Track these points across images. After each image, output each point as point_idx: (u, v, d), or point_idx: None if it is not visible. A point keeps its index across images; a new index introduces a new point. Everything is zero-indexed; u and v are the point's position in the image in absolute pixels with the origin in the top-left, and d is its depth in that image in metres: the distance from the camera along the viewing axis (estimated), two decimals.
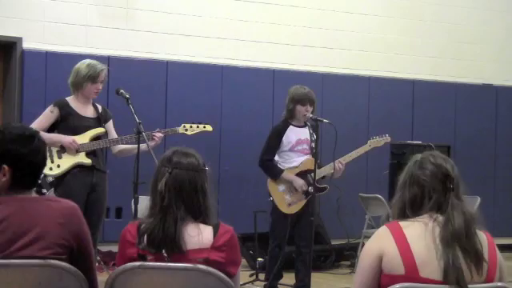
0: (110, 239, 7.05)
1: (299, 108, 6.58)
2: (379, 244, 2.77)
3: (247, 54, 9.38)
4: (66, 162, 5.81)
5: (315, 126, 6.51)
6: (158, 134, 5.97)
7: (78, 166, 5.81)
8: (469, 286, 2.69)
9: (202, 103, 8.85)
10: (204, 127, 6.29)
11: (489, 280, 2.73)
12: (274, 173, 6.64)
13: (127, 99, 5.83)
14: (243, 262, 7.46)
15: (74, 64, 6.08)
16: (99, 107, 6.03)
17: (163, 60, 8.94)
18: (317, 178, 6.52)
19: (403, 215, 2.83)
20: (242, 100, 9.17)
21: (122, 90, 5.92)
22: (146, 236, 2.89)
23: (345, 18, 9.92)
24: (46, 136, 5.75)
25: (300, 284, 6.63)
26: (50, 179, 7.01)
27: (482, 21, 10.71)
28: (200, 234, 2.89)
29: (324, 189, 6.69)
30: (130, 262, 2.86)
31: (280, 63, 9.52)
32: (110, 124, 6.05)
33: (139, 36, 8.89)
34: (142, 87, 8.43)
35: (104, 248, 7.68)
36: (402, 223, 2.79)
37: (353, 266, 8.55)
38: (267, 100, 9.17)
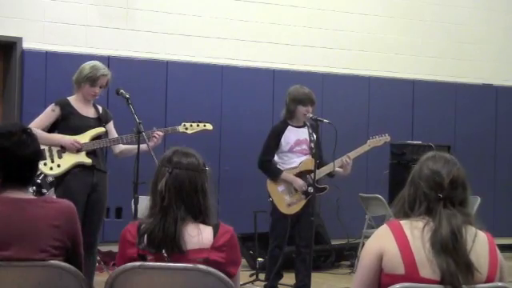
0: (110, 239, 7.05)
1: (300, 108, 6.57)
2: (380, 243, 2.77)
3: (247, 54, 9.38)
4: (67, 162, 5.80)
5: (315, 126, 6.51)
6: (159, 133, 5.96)
7: (79, 166, 5.81)
8: (468, 286, 2.69)
9: (202, 103, 8.85)
10: (204, 126, 6.28)
11: (489, 280, 2.73)
12: (274, 173, 6.64)
13: (127, 99, 5.82)
14: (243, 261, 7.46)
15: (74, 64, 6.08)
16: (100, 108, 6.03)
17: (163, 60, 8.94)
18: (320, 176, 6.52)
19: (403, 212, 2.84)
20: (241, 100, 9.17)
21: (122, 90, 5.91)
22: (146, 236, 2.89)
23: (345, 18, 9.92)
24: (48, 137, 5.75)
25: (300, 284, 6.62)
26: (50, 179, 7.01)
27: (482, 21, 10.71)
28: (200, 234, 2.89)
29: (324, 189, 6.69)
30: (130, 262, 2.86)
31: (280, 63, 9.52)
32: (111, 125, 6.04)
33: (139, 36, 8.89)
34: (142, 87, 8.43)
35: (104, 248, 7.68)
36: (403, 222, 2.79)
37: (353, 266, 8.55)
38: (267, 100, 9.17)
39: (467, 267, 2.68)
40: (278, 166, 6.65)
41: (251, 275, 7.62)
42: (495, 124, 10.58)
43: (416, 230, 2.74)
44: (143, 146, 5.67)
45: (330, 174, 6.68)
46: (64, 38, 8.51)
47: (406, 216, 2.82)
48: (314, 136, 6.56)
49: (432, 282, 2.69)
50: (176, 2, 9.12)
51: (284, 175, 6.60)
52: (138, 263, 2.84)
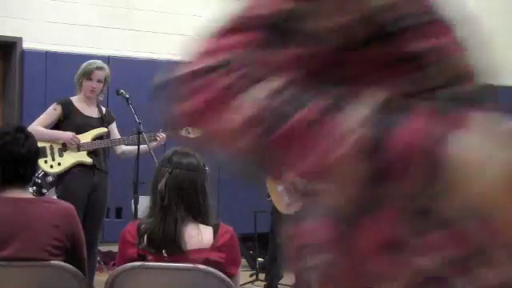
0: (110, 239, 7.04)
1: None
2: None
3: None
4: (67, 161, 5.81)
5: None
6: (162, 135, 5.97)
7: (79, 166, 5.81)
8: None
9: None
10: None
11: None
12: None
13: (127, 99, 5.83)
14: (243, 261, 7.45)
15: (74, 64, 6.09)
16: (103, 109, 6.03)
17: (163, 60, 8.93)
18: None
19: None
20: None
21: (122, 90, 5.92)
22: (146, 236, 2.89)
23: None
24: (48, 132, 5.76)
25: None
26: (50, 179, 7.01)
27: (482, 20, 10.70)
28: (200, 235, 2.89)
29: None
30: (130, 262, 2.86)
31: None
32: (113, 126, 6.05)
33: (139, 36, 8.89)
34: (142, 87, 8.41)
35: (104, 248, 7.67)
36: None
37: None
38: None
39: None
40: None
41: (251, 275, 7.62)
42: None
43: None
44: (144, 147, 5.68)
45: None
46: (64, 38, 8.51)
47: None
48: None
49: None
50: (176, 2, 9.12)
51: None
52: (137, 263, 2.84)
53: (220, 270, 2.84)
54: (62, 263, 2.93)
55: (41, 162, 5.70)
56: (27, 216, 2.95)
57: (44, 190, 7.10)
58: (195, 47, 1.23)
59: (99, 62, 5.99)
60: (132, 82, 7.90)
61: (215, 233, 2.92)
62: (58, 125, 5.90)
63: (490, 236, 1.06)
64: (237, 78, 1.11)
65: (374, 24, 1.15)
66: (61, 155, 5.82)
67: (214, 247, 2.89)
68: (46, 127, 5.82)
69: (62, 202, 3.17)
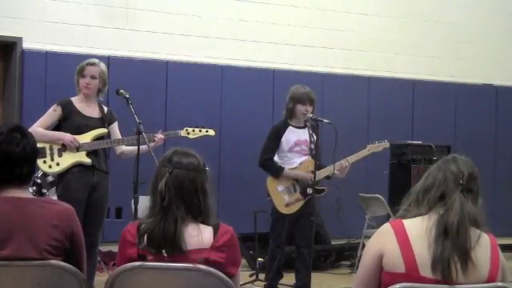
0: (110, 239, 7.05)
1: (299, 107, 6.59)
2: (381, 242, 2.79)
3: (247, 54, 9.38)
4: (66, 161, 5.81)
5: (315, 127, 6.52)
6: (159, 136, 5.97)
7: (79, 166, 5.81)
8: (469, 285, 2.70)
9: (202, 103, 8.85)
10: (207, 132, 6.30)
11: (490, 280, 2.74)
12: (276, 171, 6.64)
13: (127, 99, 5.82)
14: (243, 261, 7.46)
15: (74, 64, 6.09)
16: (105, 108, 6.03)
17: (163, 60, 8.94)
18: (319, 178, 6.53)
19: (414, 203, 2.85)
20: (242, 100, 9.17)
21: (122, 90, 5.91)
22: (146, 236, 2.89)
23: (345, 18, 9.92)
24: (47, 133, 5.76)
25: (300, 284, 6.63)
26: (50, 179, 7.02)
27: (482, 21, 10.71)
28: (200, 234, 2.89)
29: (322, 191, 6.69)
30: (130, 262, 2.86)
31: (280, 63, 9.52)
32: (115, 126, 6.04)
33: (139, 36, 8.89)
34: (142, 87, 8.43)
35: (104, 248, 7.68)
36: (406, 222, 2.80)
37: (353, 266, 8.55)
38: (267, 100, 9.17)
39: (464, 253, 2.69)
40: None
41: (251, 275, 7.62)
42: (495, 124, 10.58)
43: (419, 229, 2.75)
44: (144, 147, 5.68)
45: (328, 177, 6.69)
46: (64, 37, 8.51)
47: (417, 208, 2.82)
48: (315, 137, 6.56)
49: (432, 281, 2.69)
50: (176, 2, 9.12)
51: (287, 171, 6.60)
52: (137, 263, 2.84)
53: (220, 270, 2.84)
54: (62, 263, 2.93)
55: (39, 162, 5.70)
56: (26, 216, 2.95)
57: (44, 190, 7.11)
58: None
59: (92, 59, 6.01)
60: (132, 82, 7.91)
61: (215, 233, 2.92)
62: (58, 125, 5.90)
63: None
64: None
65: None
66: (60, 155, 5.82)
67: (214, 247, 2.89)
68: (47, 128, 5.82)
69: (62, 202, 3.17)
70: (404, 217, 2.85)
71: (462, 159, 2.92)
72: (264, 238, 7.46)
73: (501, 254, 2.83)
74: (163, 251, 2.86)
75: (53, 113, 5.89)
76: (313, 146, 6.57)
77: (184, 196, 2.92)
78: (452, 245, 2.69)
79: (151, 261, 2.86)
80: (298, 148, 6.65)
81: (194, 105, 8.76)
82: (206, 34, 9.20)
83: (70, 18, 8.57)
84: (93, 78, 5.89)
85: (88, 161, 5.81)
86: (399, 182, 8.51)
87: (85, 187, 5.76)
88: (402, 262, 2.72)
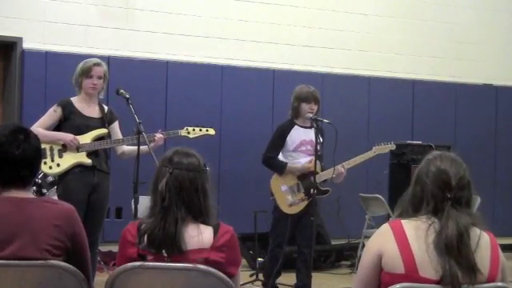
0: (110, 239, 7.06)
1: (304, 106, 6.60)
2: (380, 242, 2.79)
3: (247, 54, 9.38)
4: (66, 162, 5.80)
5: (319, 128, 6.54)
6: (158, 135, 5.97)
7: (79, 166, 5.81)
8: (470, 286, 2.70)
9: (202, 103, 8.85)
10: (207, 131, 6.30)
11: (490, 280, 2.73)
12: (279, 167, 6.65)
13: (127, 99, 5.82)
14: (243, 261, 7.46)
15: (73, 64, 6.08)
16: (105, 108, 6.02)
17: (163, 60, 8.94)
18: (318, 181, 6.54)
19: (408, 213, 2.84)
20: (242, 100, 9.16)
21: (122, 90, 5.91)
22: (146, 236, 2.89)
23: (345, 18, 9.92)
24: (47, 134, 5.75)
25: (300, 284, 6.63)
26: (51, 179, 7.02)
27: (482, 21, 10.71)
28: (200, 235, 2.89)
29: (326, 192, 6.69)
30: (130, 261, 2.86)
31: (280, 63, 9.52)
32: (115, 126, 6.03)
33: (139, 36, 8.89)
34: (142, 87, 8.42)
35: (104, 248, 7.68)
36: (404, 222, 2.79)
37: (353, 266, 8.55)
38: (267, 100, 9.17)
39: (470, 268, 2.68)
40: None
41: (251, 275, 7.62)
42: (495, 124, 10.58)
43: (418, 230, 2.75)
44: (144, 147, 5.67)
45: (325, 180, 6.70)
46: (64, 37, 8.51)
47: (411, 216, 2.81)
48: (321, 139, 6.58)
49: (431, 281, 2.69)
50: (176, 2, 9.12)
51: (290, 166, 6.61)
52: (137, 263, 2.84)
53: (220, 270, 2.84)
54: (62, 263, 2.92)
55: None
56: (27, 216, 2.95)
57: (44, 190, 7.11)
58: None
59: (96, 59, 5.99)
60: (132, 82, 7.91)
61: (215, 233, 2.91)
62: (58, 125, 5.90)
63: None
64: None
65: None
66: (60, 156, 5.81)
67: (214, 247, 2.89)
68: (47, 129, 5.81)
69: (63, 202, 3.16)
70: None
71: (449, 159, 2.86)
72: (264, 238, 7.46)
73: (501, 254, 2.82)
74: (163, 251, 2.86)
75: (53, 113, 5.89)
76: (319, 147, 6.55)
77: (184, 196, 2.92)
78: (456, 262, 2.68)
79: (151, 261, 2.86)
80: (303, 148, 6.65)
81: (194, 105, 8.76)
82: (206, 34, 9.20)
83: (70, 18, 8.57)
84: (99, 78, 5.89)
85: (88, 161, 5.81)
86: (399, 182, 8.50)
87: (85, 187, 5.76)
88: (402, 263, 2.71)
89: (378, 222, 7.83)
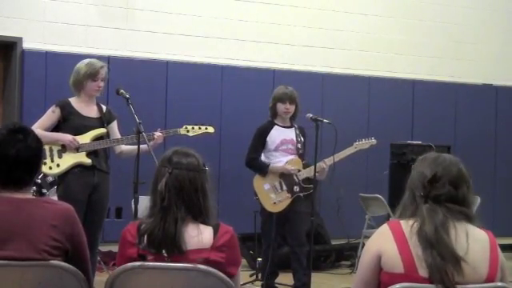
0: (110, 239, 7.05)
1: (279, 106, 6.69)
2: (379, 242, 2.79)
3: (247, 54, 9.37)
4: (66, 162, 5.80)
5: (300, 129, 6.62)
6: (158, 134, 5.97)
7: (79, 166, 5.80)
8: (469, 285, 2.70)
9: (201, 103, 8.85)
10: (206, 129, 6.30)
11: (489, 279, 2.73)
12: (261, 168, 6.73)
13: (127, 99, 5.82)
14: (243, 261, 7.46)
15: (74, 64, 6.07)
16: (103, 107, 6.02)
17: (163, 60, 8.94)
18: (303, 177, 6.61)
19: (403, 213, 2.87)
20: (241, 100, 9.16)
21: (122, 90, 5.91)
22: (146, 236, 2.89)
23: (345, 18, 9.92)
24: (47, 135, 5.74)
25: (298, 284, 6.63)
26: (50, 179, 7.02)
27: (482, 21, 10.71)
28: (200, 235, 2.89)
29: (309, 189, 6.70)
30: (130, 261, 2.86)
31: (280, 63, 9.52)
32: (114, 125, 6.03)
33: (139, 36, 8.89)
34: (142, 87, 8.42)
35: (104, 248, 7.67)
36: (403, 222, 2.80)
37: (353, 266, 8.55)
38: (267, 100, 9.11)
39: (454, 259, 2.69)
40: None
41: (251, 275, 7.62)
42: (495, 124, 10.58)
43: (414, 229, 2.77)
44: (143, 146, 5.67)
45: (308, 178, 6.71)
46: (64, 37, 8.51)
47: (409, 216, 2.83)
48: (302, 138, 6.62)
49: (430, 281, 2.69)
50: (176, 2, 9.12)
51: (272, 167, 6.66)
52: (137, 263, 2.84)
53: (220, 270, 2.84)
54: (62, 263, 2.92)
55: None
56: (25, 216, 2.94)
57: (44, 190, 7.11)
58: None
59: (100, 61, 5.98)
60: (132, 82, 7.91)
61: (215, 233, 2.92)
62: (57, 126, 5.90)
63: None
64: None
65: None
66: (60, 156, 5.81)
67: (214, 247, 2.89)
68: (46, 129, 5.81)
69: (62, 202, 3.15)
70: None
71: (429, 161, 2.89)
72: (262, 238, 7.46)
73: (500, 253, 2.82)
74: (163, 251, 2.86)
75: (51, 114, 5.88)
76: (299, 145, 6.64)
77: (184, 196, 2.92)
78: (438, 254, 2.69)
79: (151, 261, 2.86)
80: (284, 147, 6.71)
81: (193, 105, 8.75)
82: (206, 34, 9.20)
83: (70, 18, 8.57)
84: (103, 80, 5.90)
85: (88, 161, 5.81)
86: (399, 182, 8.42)
87: (85, 187, 5.76)
88: (401, 263, 2.72)
89: (377, 222, 7.82)
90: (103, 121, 5.94)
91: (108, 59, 7.98)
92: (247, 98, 9.17)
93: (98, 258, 6.64)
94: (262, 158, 6.75)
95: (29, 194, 3.05)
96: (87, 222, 5.62)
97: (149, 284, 2.86)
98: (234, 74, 9.21)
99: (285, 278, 7.00)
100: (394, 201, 8.17)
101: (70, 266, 2.93)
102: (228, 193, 8.53)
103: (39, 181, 7.11)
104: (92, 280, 3.14)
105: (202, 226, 2.92)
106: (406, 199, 2.89)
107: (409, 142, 9.20)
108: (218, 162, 8.67)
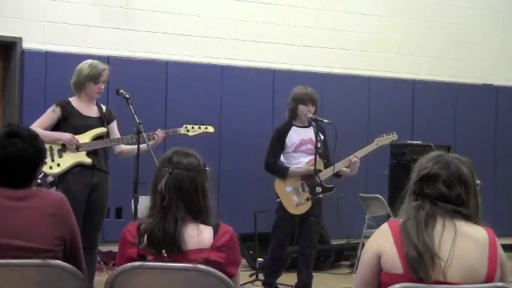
0: (110, 239, 7.05)
1: (301, 107, 6.59)
2: (378, 242, 2.79)
3: (247, 54, 9.37)
4: (67, 161, 5.80)
5: (319, 127, 6.54)
6: (158, 133, 5.97)
7: (79, 166, 5.81)
8: (468, 285, 2.70)
9: (202, 103, 8.85)
10: (206, 128, 6.29)
11: (488, 279, 2.72)
12: (281, 172, 6.64)
13: (127, 99, 5.82)
14: (243, 261, 7.46)
15: (73, 64, 6.07)
16: (103, 107, 6.02)
17: (163, 60, 8.94)
18: (322, 178, 6.55)
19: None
20: (242, 100, 9.16)
21: (122, 90, 5.91)
22: (146, 236, 2.89)
23: (345, 18, 9.92)
24: (46, 134, 5.74)
25: (301, 284, 6.63)
26: (50, 179, 7.00)
27: (482, 21, 10.71)
28: (200, 235, 2.89)
29: (331, 189, 6.69)
30: (130, 261, 2.86)
31: (280, 63, 9.52)
32: (114, 125, 6.03)
33: (139, 36, 8.89)
34: (142, 87, 8.42)
35: (104, 248, 7.68)
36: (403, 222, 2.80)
37: (353, 266, 8.55)
38: (267, 100, 9.17)
39: (429, 256, 2.68)
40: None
41: (251, 275, 7.62)
42: (495, 124, 10.58)
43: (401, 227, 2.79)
44: (143, 146, 5.67)
45: (337, 175, 6.69)
46: (64, 38, 8.51)
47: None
48: (322, 136, 6.57)
49: (431, 281, 2.69)
50: (176, 2, 9.12)
51: (292, 170, 6.60)
52: (137, 263, 2.84)
53: (220, 270, 2.84)
54: (62, 263, 2.93)
55: None
56: (23, 210, 2.97)
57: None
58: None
59: (100, 63, 5.96)
60: (132, 82, 7.91)
61: (215, 233, 2.92)
62: (57, 126, 5.90)
63: None
64: None
65: None
66: (60, 156, 5.81)
67: (214, 247, 2.89)
68: (46, 129, 5.80)
69: (53, 192, 3.21)
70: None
71: (425, 160, 2.91)
72: (264, 238, 7.46)
73: (500, 251, 2.79)
74: (163, 251, 2.86)
75: (51, 113, 5.89)
76: (319, 144, 6.54)
77: (184, 196, 2.92)
78: (415, 249, 2.69)
79: (151, 261, 2.86)
80: (303, 147, 6.65)
81: (193, 105, 8.76)
82: (206, 34, 9.20)
83: (70, 18, 8.57)
84: (104, 82, 5.90)
85: (89, 161, 5.81)
86: (399, 182, 8.43)
87: (85, 187, 5.76)
88: (400, 263, 2.71)
89: (377, 222, 7.83)
90: (103, 120, 5.95)
91: (108, 59, 7.98)
92: (247, 98, 9.18)
93: (98, 258, 6.64)
94: (282, 159, 6.69)
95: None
96: (87, 222, 5.63)
97: (149, 284, 2.86)
98: (234, 74, 9.21)
99: (285, 278, 7.00)
100: (393, 201, 8.17)
101: (70, 266, 2.93)
102: (228, 193, 8.54)
103: (39, 181, 7.09)
104: (88, 274, 3.16)
105: (202, 226, 2.92)
106: (405, 197, 2.90)
107: (409, 141, 9.20)
108: (217, 162, 8.67)
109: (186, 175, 2.94)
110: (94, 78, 5.83)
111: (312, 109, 6.58)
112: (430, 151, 3.02)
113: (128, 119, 5.78)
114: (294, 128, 6.66)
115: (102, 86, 5.89)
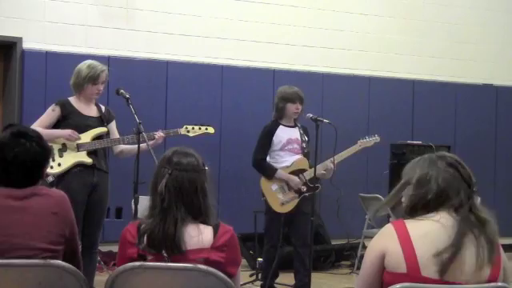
0: (110, 239, 7.05)
1: (289, 106, 6.66)
2: (383, 242, 2.79)
3: (247, 54, 9.37)
4: (67, 161, 5.81)
5: (303, 128, 6.61)
6: (159, 134, 5.98)
7: (79, 166, 5.81)
8: (469, 285, 2.70)
9: (202, 103, 8.85)
10: (206, 129, 6.31)
11: (491, 279, 2.73)
12: (268, 172, 6.70)
13: (127, 99, 5.82)
14: (243, 261, 7.46)
15: (74, 64, 6.07)
16: (102, 107, 6.02)
17: (163, 60, 8.94)
18: (309, 177, 6.59)
19: (414, 212, 2.85)
20: (242, 100, 9.16)
21: (122, 90, 5.91)
22: (146, 236, 2.89)
23: (345, 17, 9.92)
24: (46, 132, 5.74)
25: (299, 284, 6.63)
26: (51, 179, 7.00)
27: (482, 21, 10.71)
28: (200, 235, 2.89)
29: (316, 188, 6.71)
30: (130, 261, 2.86)
31: (280, 63, 9.52)
32: (113, 125, 6.04)
33: (139, 36, 8.89)
34: (142, 87, 8.42)
35: (104, 248, 7.68)
36: (408, 222, 2.80)
37: (353, 266, 8.55)
38: (267, 100, 9.15)
39: (491, 249, 2.74)
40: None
41: (251, 275, 7.62)
42: (495, 124, 10.58)
43: (422, 230, 2.75)
44: (143, 146, 5.68)
45: (316, 176, 6.72)
46: (64, 38, 8.51)
47: (415, 215, 2.83)
48: (306, 137, 6.63)
49: (433, 281, 2.69)
50: (176, 2, 9.12)
51: (279, 173, 6.65)
52: (137, 263, 2.84)
53: (220, 270, 2.84)
54: (63, 263, 2.93)
55: None
56: (26, 209, 2.98)
57: None
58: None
59: (100, 64, 5.96)
60: (132, 82, 7.91)
61: (215, 233, 2.92)
62: (57, 125, 5.90)
63: None
64: None
65: None
66: (61, 156, 5.82)
67: (214, 247, 2.89)
68: (46, 128, 5.80)
69: (54, 190, 3.22)
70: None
71: (457, 160, 2.93)
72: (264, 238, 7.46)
73: (503, 253, 2.82)
74: (163, 251, 2.86)
75: (51, 113, 5.89)
76: (304, 145, 6.63)
77: (184, 196, 2.92)
78: (479, 245, 2.73)
79: (151, 261, 2.86)
80: (289, 146, 6.70)
81: (194, 105, 8.76)
82: (206, 34, 9.20)
83: (70, 18, 8.57)
84: (103, 83, 5.90)
85: (89, 160, 5.81)
86: (399, 182, 8.49)
87: (85, 187, 5.76)
88: (404, 263, 2.71)
89: (378, 222, 7.83)
90: (103, 120, 5.95)
91: (108, 59, 7.99)
92: (247, 98, 9.18)
93: (98, 258, 6.64)
94: (267, 158, 6.74)
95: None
96: (87, 222, 5.63)
97: (149, 284, 2.86)
98: (234, 73, 9.21)
99: (284, 278, 7.00)
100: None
101: (71, 266, 2.93)
102: (228, 193, 8.54)
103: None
104: (82, 267, 3.17)
105: (202, 226, 2.92)
106: (436, 193, 2.86)
107: (409, 141, 9.20)
108: (218, 162, 8.68)
109: (186, 176, 2.94)
110: (93, 79, 5.83)
111: (300, 107, 6.66)
112: (430, 151, 3.02)
113: (128, 119, 5.78)
114: (281, 127, 6.73)
115: (101, 87, 5.89)
